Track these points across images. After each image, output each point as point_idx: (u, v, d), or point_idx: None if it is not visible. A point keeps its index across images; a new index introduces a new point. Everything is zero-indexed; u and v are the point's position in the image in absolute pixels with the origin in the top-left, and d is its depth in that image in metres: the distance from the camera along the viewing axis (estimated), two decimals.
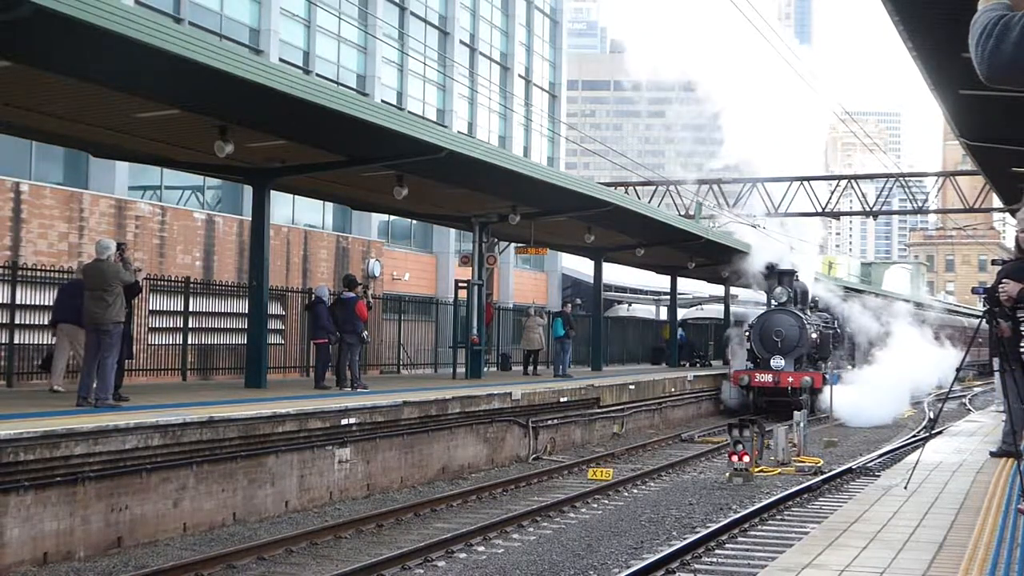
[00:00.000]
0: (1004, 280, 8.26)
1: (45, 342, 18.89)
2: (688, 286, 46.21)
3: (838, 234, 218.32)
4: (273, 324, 23.23)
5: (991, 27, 2.68)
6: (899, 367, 31.68)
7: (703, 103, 35.27)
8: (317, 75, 31.26)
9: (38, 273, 18.66)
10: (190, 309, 21.98)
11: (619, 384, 24.56)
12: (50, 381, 15.69)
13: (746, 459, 17.08)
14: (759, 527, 12.87)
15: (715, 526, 12.40)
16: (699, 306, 49.92)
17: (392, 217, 34.76)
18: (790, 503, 14.64)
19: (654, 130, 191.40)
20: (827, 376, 29.75)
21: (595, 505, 14.70)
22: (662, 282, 42.07)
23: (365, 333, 18.82)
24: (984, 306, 8.88)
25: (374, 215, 33.44)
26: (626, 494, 15.81)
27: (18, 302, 18.04)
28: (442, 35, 41.35)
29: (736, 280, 35.16)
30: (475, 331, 23.57)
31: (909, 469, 10.00)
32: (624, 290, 51.02)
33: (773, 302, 30.98)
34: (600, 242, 28.03)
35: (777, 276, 31.24)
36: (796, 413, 20.58)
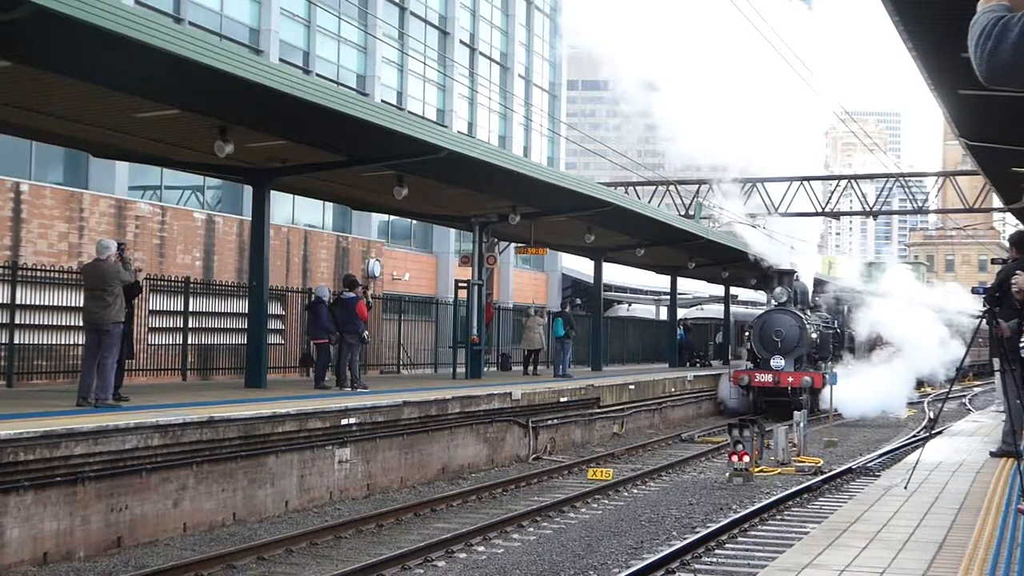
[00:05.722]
0: (1016, 272, 8.29)
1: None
2: (688, 286, 46.19)
3: (838, 234, 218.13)
4: (273, 324, 23.24)
5: (990, 28, 2.68)
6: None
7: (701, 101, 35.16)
8: (317, 75, 31.24)
9: (38, 273, 18.67)
10: (190, 309, 22.00)
11: (619, 384, 24.55)
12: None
13: (746, 459, 17.08)
14: (759, 527, 12.87)
15: (715, 526, 12.40)
16: (699, 306, 49.92)
17: (392, 217, 34.75)
18: (790, 503, 14.63)
19: (653, 130, 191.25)
20: (827, 376, 29.67)
21: (595, 505, 14.70)
22: (662, 282, 42.05)
23: (365, 333, 18.82)
24: (984, 306, 8.89)
25: (374, 215, 33.42)
26: (626, 494, 15.81)
27: (18, 302, 18.05)
28: (442, 35, 41.33)
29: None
30: (475, 331, 23.57)
31: (909, 469, 10.01)
32: (624, 290, 51.04)
33: (773, 302, 30.95)
34: (600, 242, 28.03)
35: (777, 276, 31.21)
36: (796, 413, 20.58)
